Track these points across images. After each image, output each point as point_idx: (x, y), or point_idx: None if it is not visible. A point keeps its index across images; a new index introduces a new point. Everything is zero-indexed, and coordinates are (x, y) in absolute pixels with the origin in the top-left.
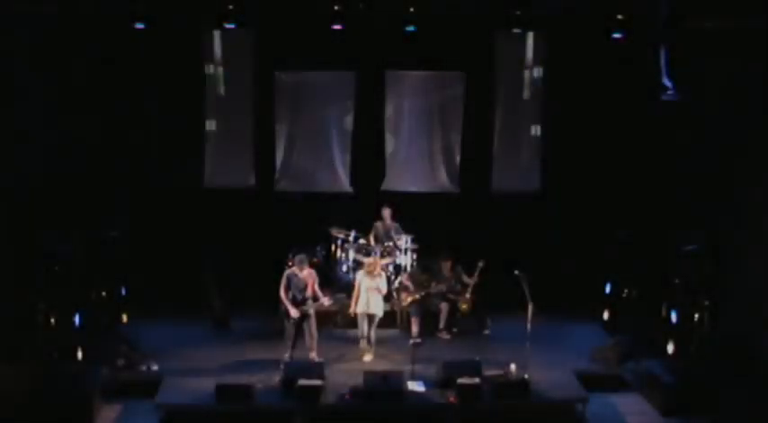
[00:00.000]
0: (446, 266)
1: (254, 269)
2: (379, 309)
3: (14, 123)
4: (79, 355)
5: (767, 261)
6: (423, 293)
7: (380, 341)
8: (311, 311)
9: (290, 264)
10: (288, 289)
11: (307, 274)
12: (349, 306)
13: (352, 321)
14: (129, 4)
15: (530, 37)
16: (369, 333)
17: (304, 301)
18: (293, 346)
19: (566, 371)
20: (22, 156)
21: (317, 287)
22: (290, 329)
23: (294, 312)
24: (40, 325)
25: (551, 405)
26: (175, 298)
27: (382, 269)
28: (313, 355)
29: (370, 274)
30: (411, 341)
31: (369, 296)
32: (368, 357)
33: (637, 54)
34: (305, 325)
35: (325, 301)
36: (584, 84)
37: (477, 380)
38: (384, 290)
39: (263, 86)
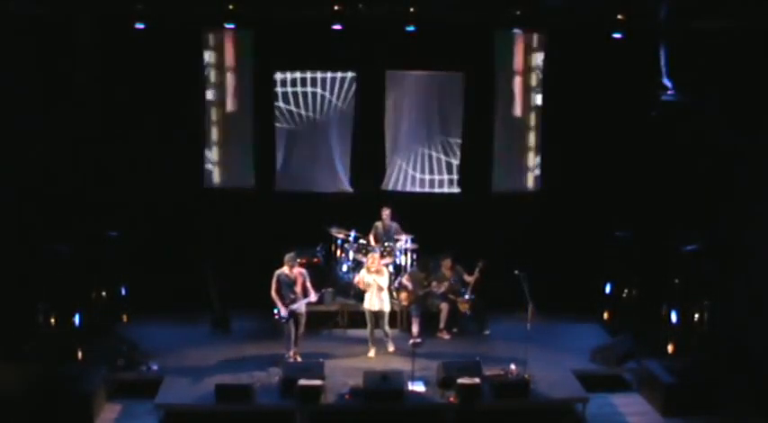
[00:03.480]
0: (446, 266)
1: (255, 269)
2: (385, 305)
3: (14, 123)
4: (79, 355)
5: (767, 261)
6: (423, 293)
7: (381, 341)
8: (302, 309)
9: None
10: (279, 289)
11: (297, 273)
12: (347, 305)
13: (352, 321)
14: (129, 4)
15: (529, 37)
16: (383, 328)
17: (294, 299)
18: (295, 344)
19: (566, 371)
20: (23, 156)
21: (308, 284)
22: (287, 329)
23: (284, 311)
24: (40, 325)
25: (551, 405)
26: (175, 298)
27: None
28: (293, 352)
29: (369, 271)
30: (411, 341)
31: (372, 293)
32: (371, 353)
33: (637, 54)
34: (292, 321)
35: (312, 296)
36: (584, 84)
37: (477, 380)
38: (385, 286)
39: (263, 86)
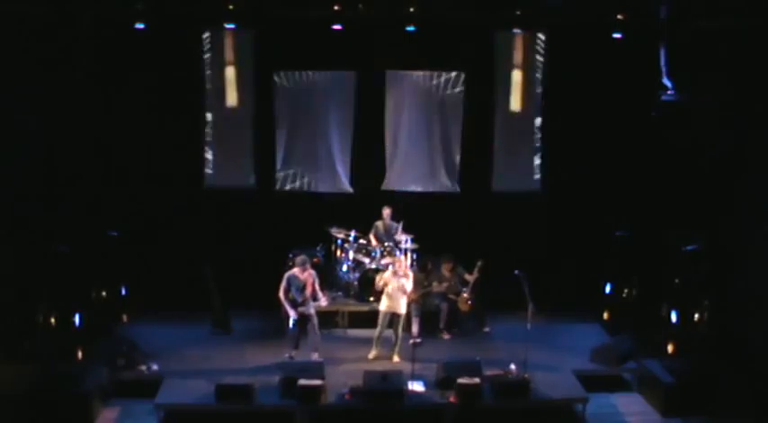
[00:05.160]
0: (447, 267)
1: (255, 269)
2: (402, 308)
3: (14, 123)
4: (79, 355)
5: (767, 261)
6: (423, 293)
7: (387, 344)
8: (312, 311)
9: (291, 264)
10: (288, 290)
11: (307, 275)
12: (347, 305)
13: (353, 321)
14: (129, 4)
15: (530, 37)
16: (396, 331)
17: (304, 302)
18: (296, 347)
19: (566, 371)
20: (23, 156)
21: (317, 286)
22: (292, 330)
23: (293, 314)
24: (40, 325)
25: (551, 405)
26: (175, 298)
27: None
28: (315, 355)
29: (396, 274)
30: (411, 341)
31: (394, 296)
32: (372, 354)
33: (637, 54)
34: (308, 326)
35: (323, 301)
36: (584, 84)
37: (477, 380)
38: (409, 290)
39: (263, 86)
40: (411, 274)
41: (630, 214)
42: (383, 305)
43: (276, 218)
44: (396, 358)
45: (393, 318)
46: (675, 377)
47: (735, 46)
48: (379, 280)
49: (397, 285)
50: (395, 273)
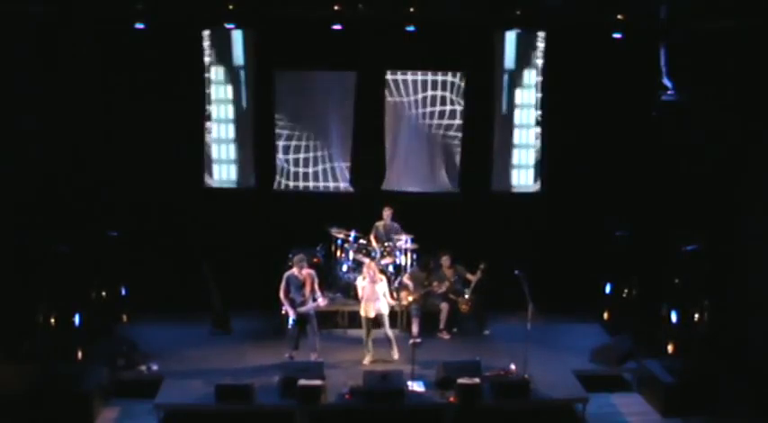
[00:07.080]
0: (445, 264)
1: (254, 269)
2: (382, 308)
3: (14, 123)
4: (79, 355)
5: (767, 261)
6: (423, 293)
7: (380, 341)
8: (311, 312)
9: (291, 264)
10: (287, 290)
11: (306, 275)
12: (347, 305)
13: (353, 321)
14: (129, 4)
15: (530, 37)
16: (386, 333)
17: (303, 302)
18: (296, 347)
19: (566, 371)
20: (22, 155)
21: (316, 286)
22: (292, 330)
23: (292, 313)
24: (40, 325)
25: (551, 405)
26: (175, 298)
27: (380, 270)
28: (314, 355)
29: (370, 279)
30: (411, 341)
31: (372, 300)
32: (367, 359)
33: (637, 54)
34: (307, 326)
35: (321, 301)
36: (583, 84)
37: (477, 380)
38: (378, 294)
39: (263, 86)
40: (384, 278)
41: (630, 214)
42: (362, 310)
43: (276, 218)
44: (395, 354)
45: (377, 320)
46: (675, 377)
47: (735, 46)
48: (360, 295)
49: (369, 289)
50: (367, 278)
